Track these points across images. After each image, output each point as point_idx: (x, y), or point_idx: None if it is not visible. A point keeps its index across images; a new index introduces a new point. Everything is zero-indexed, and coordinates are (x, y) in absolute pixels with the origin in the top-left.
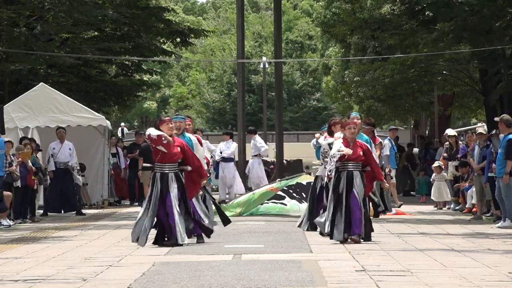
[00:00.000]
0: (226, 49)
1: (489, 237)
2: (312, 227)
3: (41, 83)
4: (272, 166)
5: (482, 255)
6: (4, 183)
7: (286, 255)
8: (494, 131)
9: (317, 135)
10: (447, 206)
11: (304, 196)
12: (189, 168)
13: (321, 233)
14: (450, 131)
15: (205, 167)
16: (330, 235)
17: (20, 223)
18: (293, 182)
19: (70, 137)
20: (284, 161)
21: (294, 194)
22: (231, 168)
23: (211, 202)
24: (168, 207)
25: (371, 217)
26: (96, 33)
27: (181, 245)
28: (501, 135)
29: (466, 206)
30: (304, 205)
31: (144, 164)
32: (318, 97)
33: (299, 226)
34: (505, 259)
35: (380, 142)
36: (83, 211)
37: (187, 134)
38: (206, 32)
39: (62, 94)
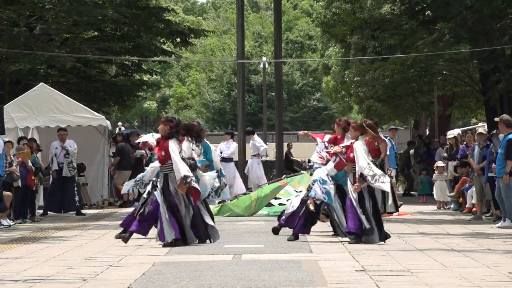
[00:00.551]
0: (226, 49)
1: (489, 237)
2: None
3: (41, 83)
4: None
5: (482, 255)
6: (4, 183)
7: (286, 255)
8: (494, 131)
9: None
10: (447, 206)
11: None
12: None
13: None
14: (451, 132)
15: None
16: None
17: (20, 223)
18: (299, 177)
19: (70, 137)
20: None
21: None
22: (231, 168)
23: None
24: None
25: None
26: (96, 33)
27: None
28: (501, 135)
29: (466, 206)
30: None
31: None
32: (318, 97)
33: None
34: (505, 259)
35: (384, 141)
36: (83, 211)
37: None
38: (206, 32)
39: (62, 94)
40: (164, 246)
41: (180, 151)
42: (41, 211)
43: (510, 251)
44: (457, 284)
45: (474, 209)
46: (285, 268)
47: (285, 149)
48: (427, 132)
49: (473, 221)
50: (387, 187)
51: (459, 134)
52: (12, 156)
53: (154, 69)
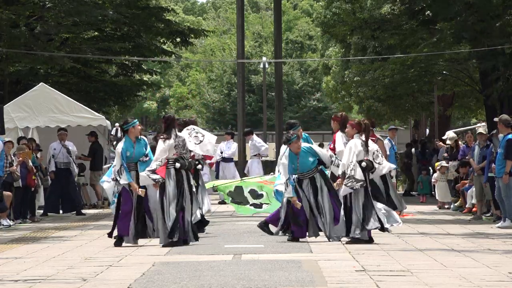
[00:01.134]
0: (226, 49)
1: (489, 237)
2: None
3: (41, 83)
4: None
5: (482, 255)
6: (4, 183)
7: (286, 255)
8: (495, 131)
9: None
10: (446, 206)
11: None
12: None
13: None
14: (450, 135)
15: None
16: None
17: (20, 223)
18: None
19: (70, 137)
20: None
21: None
22: (231, 168)
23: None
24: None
25: None
26: (96, 33)
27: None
28: (500, 135)
29: (466, 206)
30: None
31: None
32: (318, 97)
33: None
34: (505, 259)
35: (380, 140)
36: (83, 211)
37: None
38: (206, 32)
39: (62, 94)
40: (163, 246)
41: (175, 146)
42: (41, 211)
43: (510, 251)
44: (457, 284)
45: (474, 209)
46: (285, 268)
47: None
48: (427, 132)
49: (473, 221)
50: (344, 192)
51: (454, 136)
52: (12, 156)
53: (154, 69)
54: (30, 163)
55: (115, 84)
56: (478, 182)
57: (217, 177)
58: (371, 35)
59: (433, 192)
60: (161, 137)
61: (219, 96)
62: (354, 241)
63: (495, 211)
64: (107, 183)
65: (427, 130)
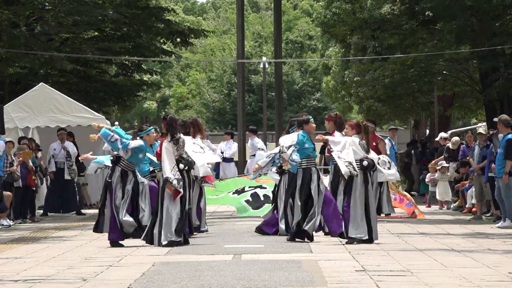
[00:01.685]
0: (226, 49)
1: (489, 237)
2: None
3: (41, 83)
4: None
5: (482, 255)
6: (4, 183)
7: (286, 255)
8: (495, 131)
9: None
10: (445, 206)
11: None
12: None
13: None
14: (454, 139)
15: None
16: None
17: (20, 223)
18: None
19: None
20: None
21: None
22: (232, 168)
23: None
24: None
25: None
26: (96, 33)
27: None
28: (500, 135)
29: (466, 206)
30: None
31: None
32: (318, 97)
33: None
34: (505, 259)
35: (382, 140)
36: (83, 211)
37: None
38: (206, 32)
39: (62, 94)
40: (164, 245)
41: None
42: (41, 211)
43: (510, 251)
44: (457, 284)
45: (474, 209)
46: (285, 268)
47: None
48: (427, 132)
49: (473, 221)
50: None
51: (445, 137)
52: (13, 156)
53: (154, 69)
54: (30, 163)
55: (115, 84)
56: (478, 182)
57: (217, 177)
58: (371, 35)
59: (426, 193)
60: (169, 140)
61: (219, 96)
62: (351, 240)
63: (495, 211)
64: (95, 165)
65: (427, 130)
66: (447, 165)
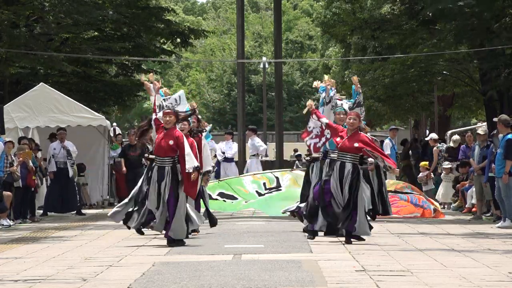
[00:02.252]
0: (226, 49)
1: (489, 237)
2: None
3: (41, 83)
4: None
5: (482, 255)
6: (4, 183)
7: (286, 255)
8: (495, 131)
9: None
10: (445, 206)
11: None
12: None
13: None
14: (455, 137)
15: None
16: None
17: (20, 223)
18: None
19: (70, 137)
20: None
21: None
22: (233, 168)
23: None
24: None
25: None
26: (96, 33)
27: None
28: (500, 135)
29: (466, 206)
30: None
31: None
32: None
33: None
34: (505, 259)
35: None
36: (83, 211)
37: None
38: (206, 32)
39: (62, 94)
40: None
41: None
42: (41, 211)
43: (510, 251)
44: (457, 284)
45: (474, 209)
46: (285, 268)
47: (289, 151)
48: (427, 132)
49: (473, 221)
50: None
51: (435, 138)
52: (13, 156)
53: (154, 69)
54: (30, 163)
55: (115, 84)
56: (478, 182)
57: (217, 177)
58: (371, 35)
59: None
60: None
61: (219, 96)
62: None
63: (495, 211)
64: None
65: (427, 130)
66: (450, 165)
